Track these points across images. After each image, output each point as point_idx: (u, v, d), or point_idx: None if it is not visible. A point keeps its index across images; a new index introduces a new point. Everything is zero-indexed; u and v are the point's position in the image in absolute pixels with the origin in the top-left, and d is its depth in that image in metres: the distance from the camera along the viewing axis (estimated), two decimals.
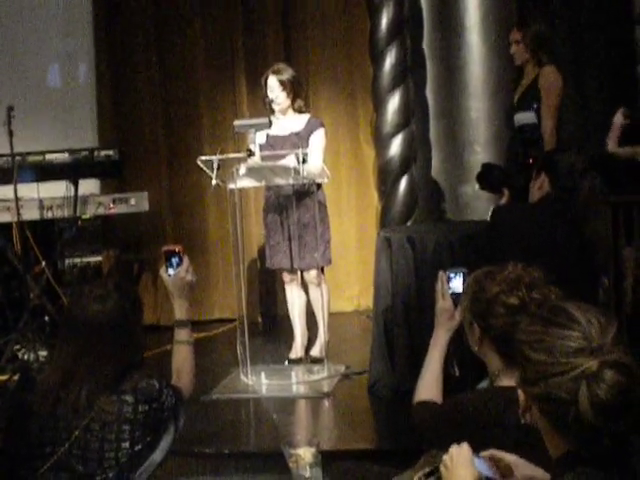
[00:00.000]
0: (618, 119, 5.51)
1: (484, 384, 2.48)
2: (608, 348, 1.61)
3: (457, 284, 2.60)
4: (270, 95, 5.25)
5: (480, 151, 6.45)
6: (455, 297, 2.58)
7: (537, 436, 1.73)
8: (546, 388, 1.63)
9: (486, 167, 5.49)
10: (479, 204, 6.34)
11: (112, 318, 2.61)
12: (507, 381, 2.32)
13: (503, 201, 5.36)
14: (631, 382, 1.60)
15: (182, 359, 2.94)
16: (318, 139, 5.25)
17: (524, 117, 5.22)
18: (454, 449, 1.76)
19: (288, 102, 5.27)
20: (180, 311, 2.97)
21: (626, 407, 1.59)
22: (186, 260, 2.98)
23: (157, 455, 2.62)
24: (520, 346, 1.70)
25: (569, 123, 5.88)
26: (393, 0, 6.64)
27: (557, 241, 4.00)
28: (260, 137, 5.19)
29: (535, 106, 5.20)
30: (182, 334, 2.96)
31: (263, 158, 5.03)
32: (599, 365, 1.59)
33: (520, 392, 1.71)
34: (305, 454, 2.35)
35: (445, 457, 1.77)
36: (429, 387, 2.61)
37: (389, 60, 6.67)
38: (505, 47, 5.78)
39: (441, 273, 2.66)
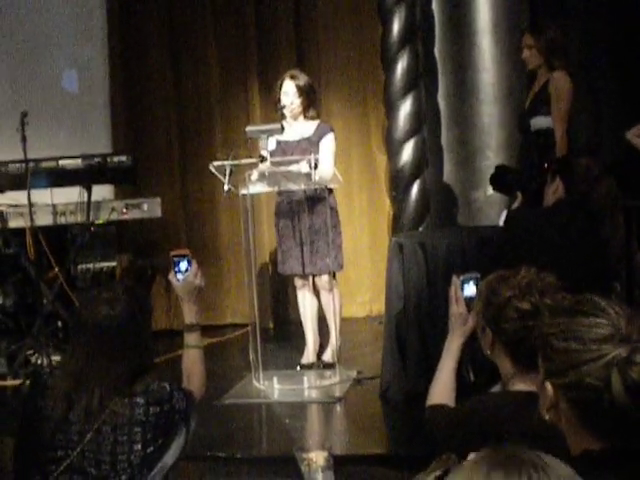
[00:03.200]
0: None
1: (497, 388, 2.48)
2: (637, 336, 1.62)
3: (470, 289, 2.60)
4: (284, 100, 5.26)
5: (492, 156, 6.44)
6: (469, 302, 2.58)
7: (549, 441, 1.73)
8: (577, 376, 1.62)
9: (500, 169, 5.48)
10: (491, 210, 6.33)
11: (121, 321, 2.62)
12: (519, 385, 2.31)
13: (516, 205, 5.35)
14: None
15: (192, 363, 2.96)
16: (328, 144, 5.26)
17: (540, 122, 5.21)
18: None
19: (301, 108, 5.28)
20: (189, 315, 2.98)
21: None
22: (194, 264, 2.98)
23: (169, 458, 2.62)
24: (546, 338, 1.69)
25: (582, 129, 5.86)
26: (405, 6, 6.64)
27: (571, 246, 3.99)
28: (271, 143, 5.21)
29: (543, 110, 5.19)
30: (192, 338, 2.97)
31: (274, 163, 5.05)
32: (630, 351, 1.59)
33: (547, 387, 1.69)
34: (317, 458, 2.35)
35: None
36: (442, 391, 2.61)
37: (401, 66, 6.67)
38: (517, 52, 5.78)
39: (455, 278, 2.65)
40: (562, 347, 1.66)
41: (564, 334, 1.66)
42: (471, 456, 1.76)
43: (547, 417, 1.72)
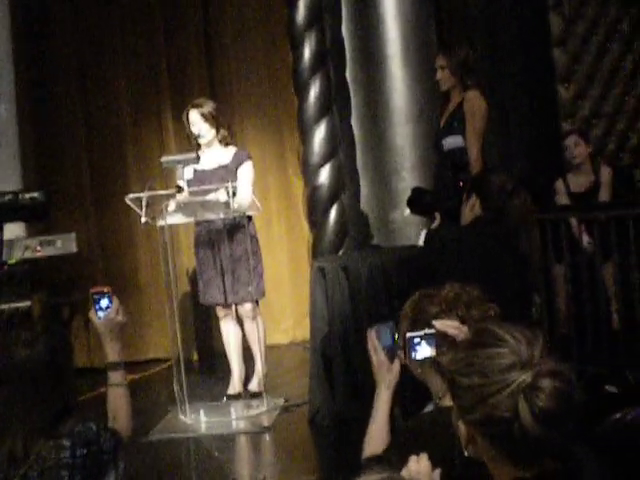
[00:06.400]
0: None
1: (429, 408, 2.47)
2: (538, 360, 1.62)
3: (386, 337, 2.55)
4: (193, 129, 5.24)
5: (407, 177, 6.50)
6: (388, 350, 2.53)
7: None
8: (485, 410, 1.61)
9: (416, 191, 5.54)
10: (409, 230, 6.38)
11: (42, 362, 2.54)
12: (450, 402, 2.30)
13: (435, 225, 5.41)
14: (568, 387, 1.60)
15: (117, 402, 2.87)
16: (246, 171, 5.25)
17: (452, 141, 5.28)
18: (412, 463, 1.74)
19: (212, 134, 5.26)
20: (112, 353, 2.90)
21: (567, 413, 1.60)
22: (116, 301, 2.91)
23: None
24: (450, 376, 1.69)
25: (492, 146, 5.96)
26: (314, 32, 6.68)
27: (490, 261, 4.05)
28: (187, 172, 5.17)
29: (457, 129, 5.26)
30: (116, 376, 2.89)
31: (192, 193, 5.01)
32: (534, 376, 1.59)
33: (460, 425, 1.68)
34: None
35: (404, 471, 1.74)
36: (376, 440, 2.54)
37: (313, 91, 6.71)
38: (427, 74, 5.86)
39: (369, 330, 2.60)
40: (466, 383, 1.65)
41: (466, 369, 1.65)
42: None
43: (467, 453, 1.71)
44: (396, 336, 2.44)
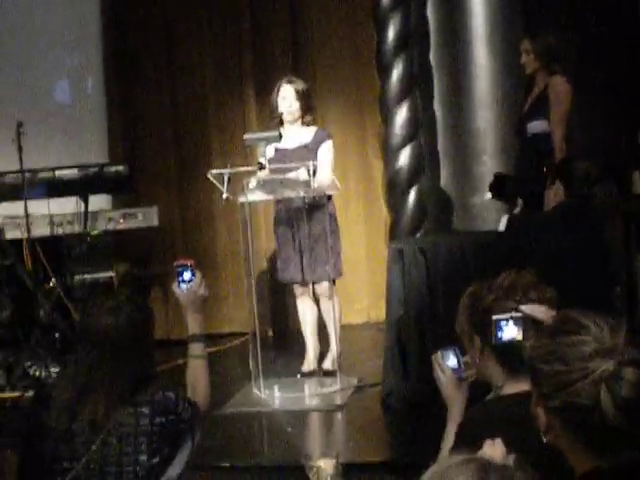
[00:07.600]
0: None
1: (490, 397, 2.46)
2: (622, 348, 1.61)
3: (451, 360, 2.57)
4: (282, 104, 5.24)
5: (488, 162, 6.44)
6: (454, 371, 2.55)
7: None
8: (566, 398, 1.61)
9: (499, 176, 5.48)
10: (488, 215, 6.32)
11: (125, 330, 2.60)
12: (510, 390, 2.29)
13: (517, 210, 5.35)
14: None
15: (197, 373, 2.92)
16: (327, 151, 5.26)
17: (536, 126, 5.22)
18: (487, 447, 1.74)
19: (300, 113, 5.27)
20: (194, 325, 2.95)
21: None
22: (198, 274, 2.96)
23: (174, 469, 2.58)
24: (532, 363, 1.69)
25: (577, 133, 5.87)
26: (400, 13, 6.64)
27: (572, 249, 3.99)
28: (269, 150, 5.20)
29: (541, 114, 5.21)
30: (197, 348, 2.95)
31: (273, 171, 5.04)
32: (616, 365, 1.58)
33: (539, 412, 1.68)
34: (326, 466, 2.34)
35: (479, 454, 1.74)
36: None
37: (396, 73, 6.68)
38: (512, 57, 5.78)
39: (434, 355, 2.61)
40: (548, 370, 1.64)
41: (548, 356, 1.65)
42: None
43: (545, 440, 1.71)
44: (461, 358, 2.46)
